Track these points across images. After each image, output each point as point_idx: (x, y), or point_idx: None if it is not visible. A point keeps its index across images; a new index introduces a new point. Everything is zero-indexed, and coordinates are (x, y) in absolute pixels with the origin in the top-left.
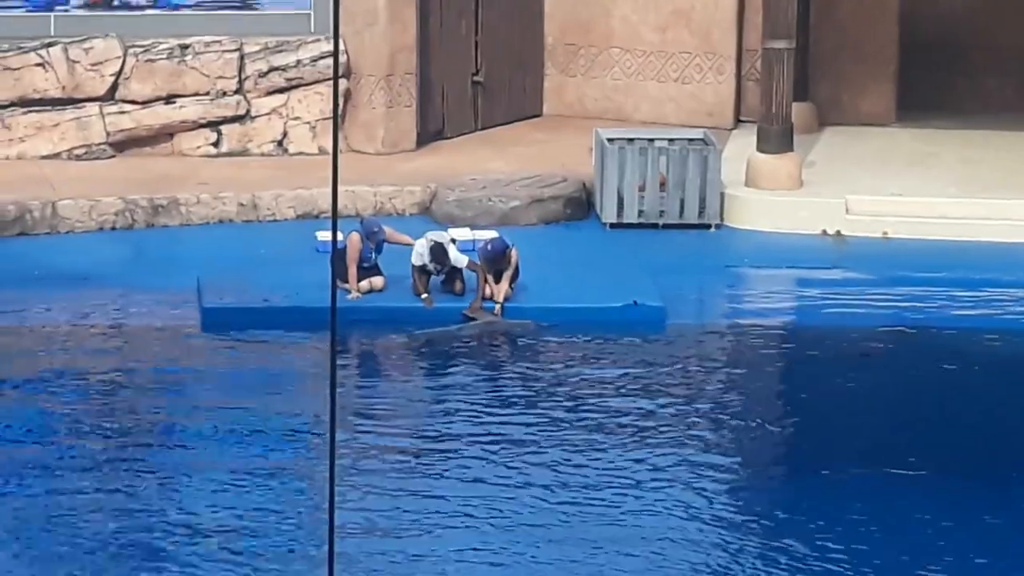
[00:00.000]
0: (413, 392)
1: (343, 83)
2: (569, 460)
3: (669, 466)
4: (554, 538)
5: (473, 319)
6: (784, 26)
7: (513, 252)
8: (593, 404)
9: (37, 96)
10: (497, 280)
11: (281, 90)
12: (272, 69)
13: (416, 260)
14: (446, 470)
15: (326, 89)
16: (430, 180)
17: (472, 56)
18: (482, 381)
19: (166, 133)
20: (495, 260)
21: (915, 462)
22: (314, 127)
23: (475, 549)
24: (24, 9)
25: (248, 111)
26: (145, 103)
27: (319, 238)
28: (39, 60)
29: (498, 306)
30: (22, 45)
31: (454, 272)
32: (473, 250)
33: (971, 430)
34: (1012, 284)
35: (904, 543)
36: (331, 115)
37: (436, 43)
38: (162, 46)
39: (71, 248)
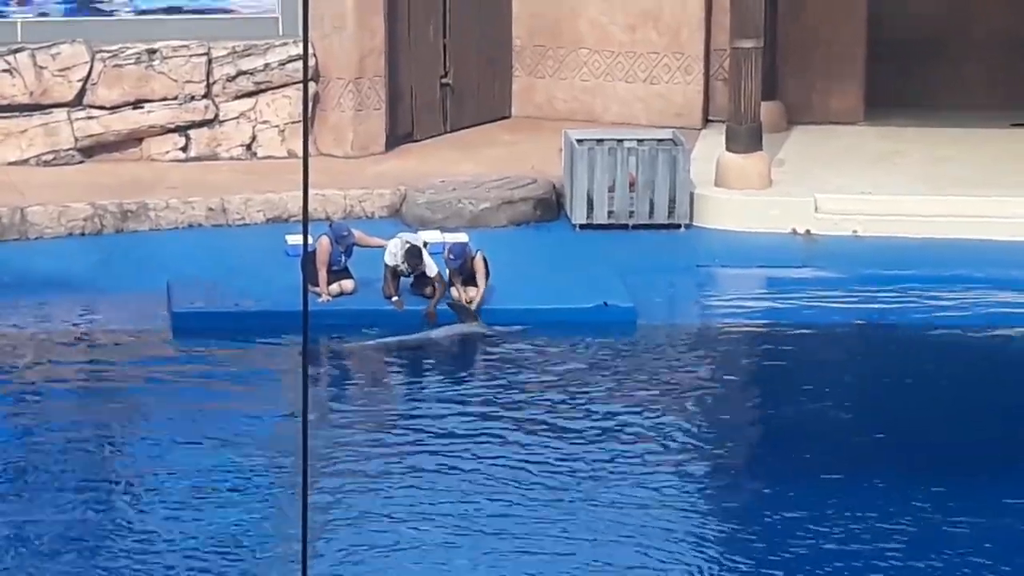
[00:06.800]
0: (384, 395)
1: (312, 86)
2: (539, 460)
3: (640, 467)
4: (525, 540)
5: (457, 310)
6: (752, 25)
7: (478, 256)
8: (563, 405)
9: (4, 102)
10: (466, 285)
11: (249, 94)
12: (240, 73)
13: (389, 260)
14: (417, 472)
15: (294, 93)
16: (400, 183)
17: (440, 59)
18: (453, 383)
19: (134, 138)
20: (458, 266)
21: (888, 458)
22: (283, 131)
23: (444, 556)
24: None
25: (216, 115)
26: (113, 108)
27: (289, 242)
28: (6, 66)
29: None
30: None
31: (424, 275)
32: (441, 252)
33: (944, 426)
34: (982, 281)
35: (884, 539)
36: (300, 119)
37: (404, 46)
38: (130, 51)
39: (40, 254)
